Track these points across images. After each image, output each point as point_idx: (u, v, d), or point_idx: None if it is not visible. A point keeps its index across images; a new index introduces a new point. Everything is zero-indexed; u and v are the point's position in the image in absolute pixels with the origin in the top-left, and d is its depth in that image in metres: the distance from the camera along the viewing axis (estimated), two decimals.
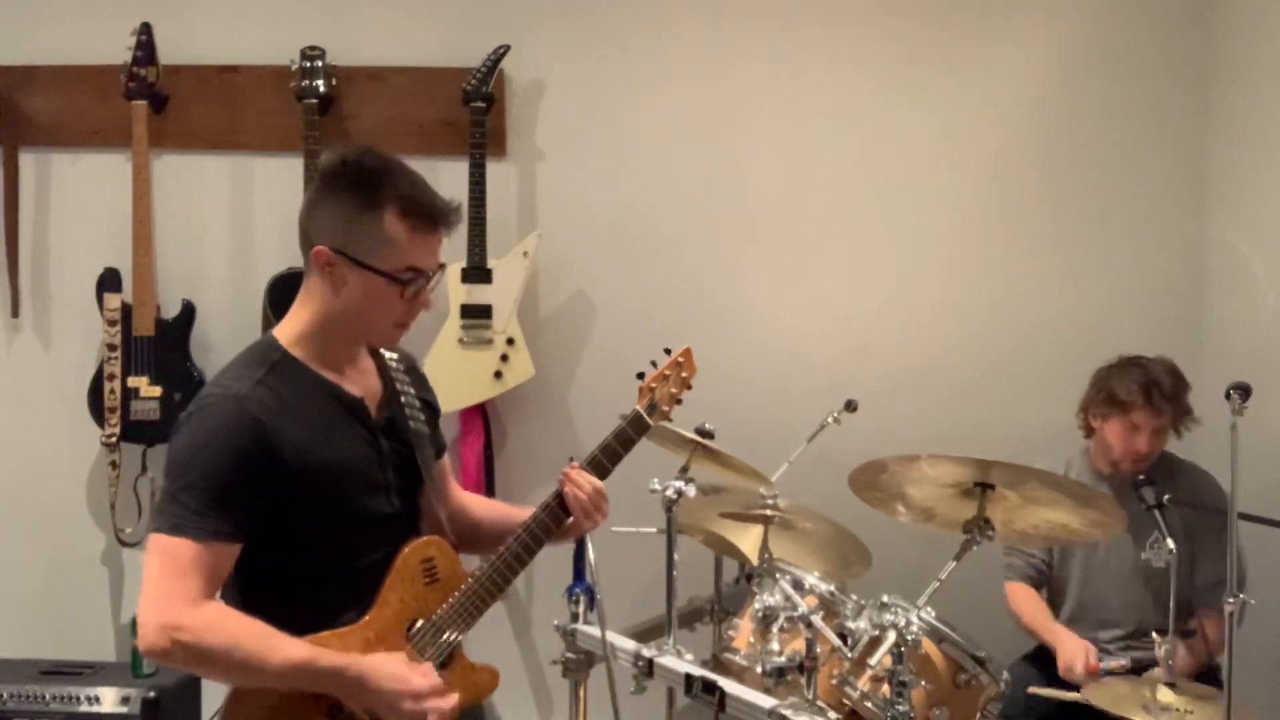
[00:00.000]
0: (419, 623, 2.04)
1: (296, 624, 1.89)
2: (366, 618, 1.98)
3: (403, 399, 2.13)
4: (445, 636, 2.06)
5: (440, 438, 2.27)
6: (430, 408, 2.22)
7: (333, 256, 1.95)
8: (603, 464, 2.18)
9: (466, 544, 2.25)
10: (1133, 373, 2.99)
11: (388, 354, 2.17)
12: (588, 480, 2.15)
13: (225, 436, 1.86)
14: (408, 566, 2.04)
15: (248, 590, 1.94)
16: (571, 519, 2.15)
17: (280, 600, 1.92)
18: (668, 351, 2.29)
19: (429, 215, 1.97)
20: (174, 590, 1.81)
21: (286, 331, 2.02)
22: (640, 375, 2.28)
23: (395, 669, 1.93)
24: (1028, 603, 3.13)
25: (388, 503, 2.05)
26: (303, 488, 1.91)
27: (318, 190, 2.00)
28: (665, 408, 2.24)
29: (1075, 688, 2.80)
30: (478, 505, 2.38)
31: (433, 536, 2.11)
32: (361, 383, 2.07)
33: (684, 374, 2.26)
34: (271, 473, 1.88)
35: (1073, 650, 2.93)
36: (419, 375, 2.24)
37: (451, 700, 1.97)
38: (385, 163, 1.98)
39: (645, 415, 2.21)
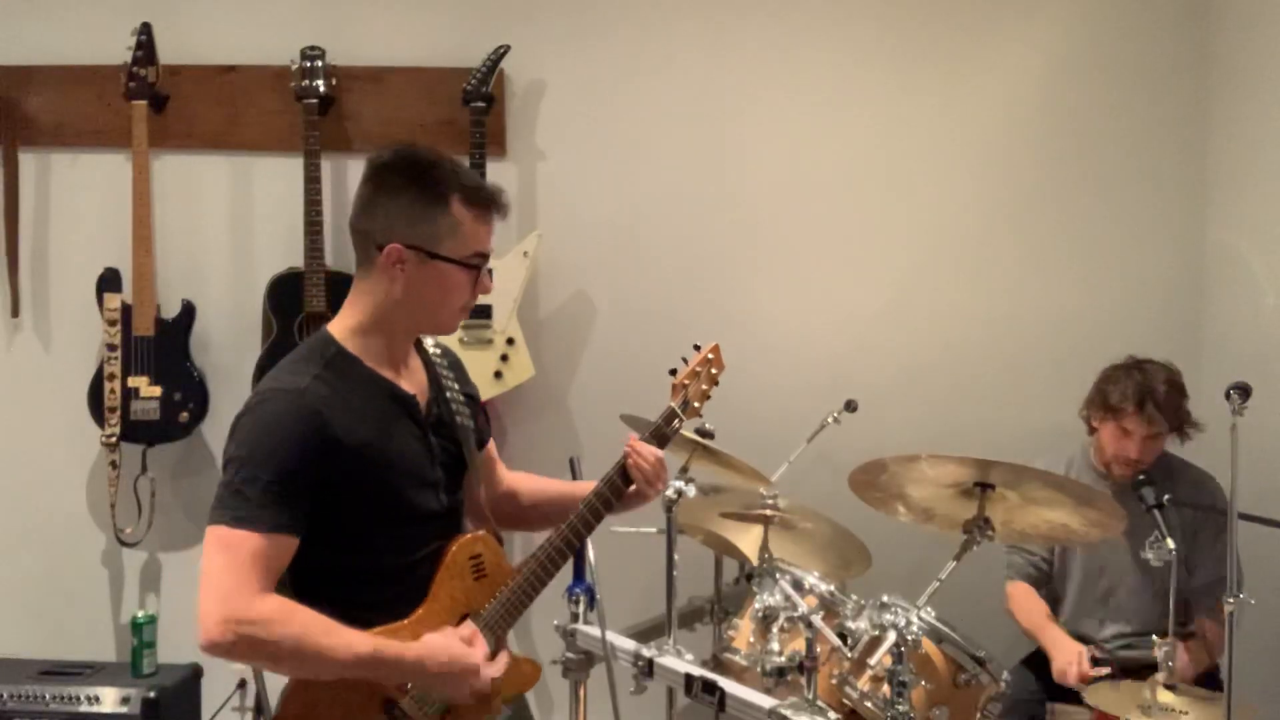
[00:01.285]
0: (469, 617, 2.07)
1: (350, 620, 1.90)
2: (419, 612, 2.01)
3: (448, 394, 2.15)
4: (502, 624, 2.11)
5: (484, 426, 2.28)
6: (472, 400, 2.24)
7: (404, 252, 1.96)
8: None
9: (512, 523, 2.30)
10: (1131, 378, 2.97)
11: (431, 349, 2.19)
12: (650, 450, 2.20)
13: (286, 429, 1.87)
14: (457, 562, 2.07)
15: (301, 587, 1.94)
16: (634, 487, 2.19)
17: (333, 596, 1.93)
18: (697, 348, 2.29)
19: (490, 202, 2.02)
20: (238, 584, 1.81)
21: (341, 327, 2.03)
22: (672, 372, 2.29)
23: (452, 650, 1.96)
24: (1027, 604, 3.12)
25: (436, 500, 2.07)
26: (358, 482, 1.93)
27: (372, 190, 2.00)
28: (697, 404, 2.28)
29: (1072, 693, 2.80)
30: (525, 486, 2.40)
31: (479, 533, 2.13)
32: (412, 380, 2.09)
33: (713, 370, 2.30)
34: (330, 465, 1.89)
35: (1066, 656, 2.91)
36: (461, 369, 2.26)
37: (500, 664, 2.05)
38: (436, 155, 2.01)
39: (680, 413, 2.25)
